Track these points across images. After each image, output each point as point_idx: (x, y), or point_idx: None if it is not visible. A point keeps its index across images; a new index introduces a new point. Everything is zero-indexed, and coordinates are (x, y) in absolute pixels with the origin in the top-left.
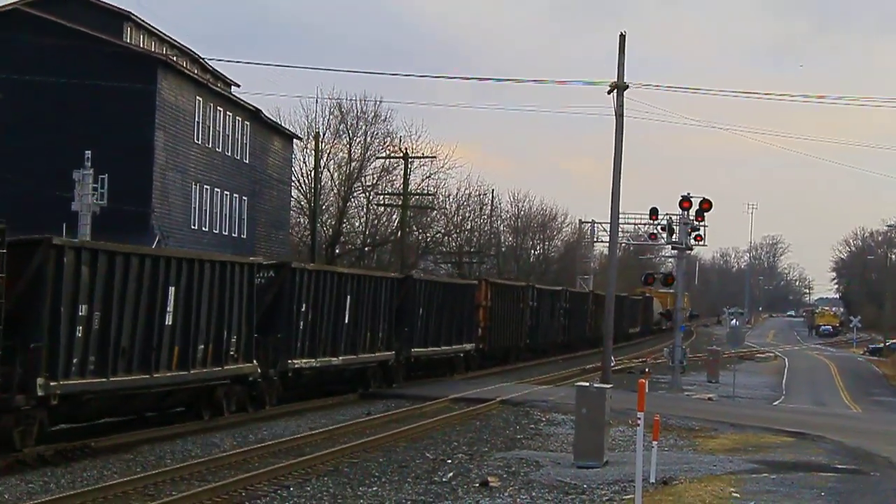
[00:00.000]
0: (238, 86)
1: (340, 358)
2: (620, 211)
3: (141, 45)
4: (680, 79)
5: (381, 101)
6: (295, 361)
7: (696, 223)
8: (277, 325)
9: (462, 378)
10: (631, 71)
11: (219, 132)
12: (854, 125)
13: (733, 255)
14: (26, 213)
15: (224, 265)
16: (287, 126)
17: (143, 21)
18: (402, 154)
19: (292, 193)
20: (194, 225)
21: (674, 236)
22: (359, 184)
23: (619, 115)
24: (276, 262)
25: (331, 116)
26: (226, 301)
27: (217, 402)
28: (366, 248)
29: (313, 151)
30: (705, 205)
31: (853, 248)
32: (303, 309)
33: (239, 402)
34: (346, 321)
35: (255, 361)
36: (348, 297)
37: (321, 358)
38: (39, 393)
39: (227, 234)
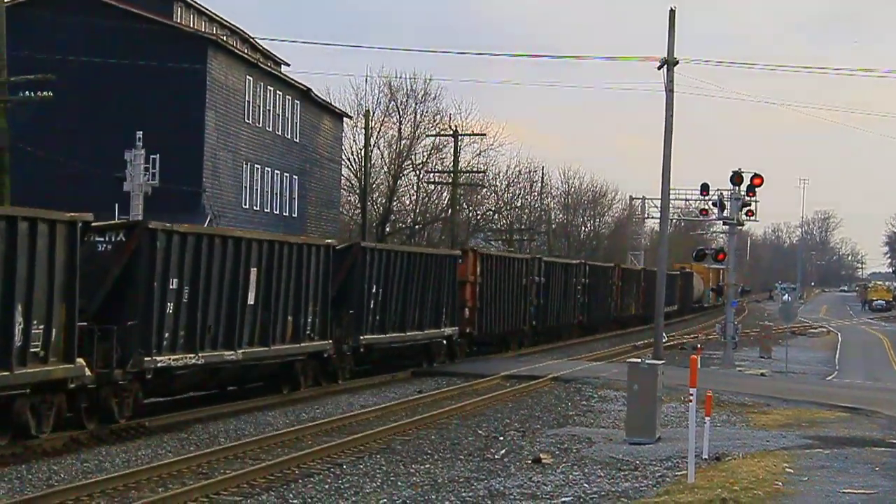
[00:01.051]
0: (288, 65)
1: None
2: (671, 187)
3: (191, 25)
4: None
5: (430, 79)
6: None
7: (747, 198)
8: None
9: (514, 356)
10: (681, 46)
11: (269, 111)
12: None
13: (785, 230)
14: (79, 194)
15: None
16: (337, 105)
17: (192, 1)
18: (451, 132)
19: (342, 172)
20: (245, 204)
21: (725, 212)
22: (409, 162)
23: (669, 91)
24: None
25: (380, 95)
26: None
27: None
28: (416, 227)
29: (363, 130)
30: (756, 180)
31: None
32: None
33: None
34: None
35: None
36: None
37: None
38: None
39: (277, 213)
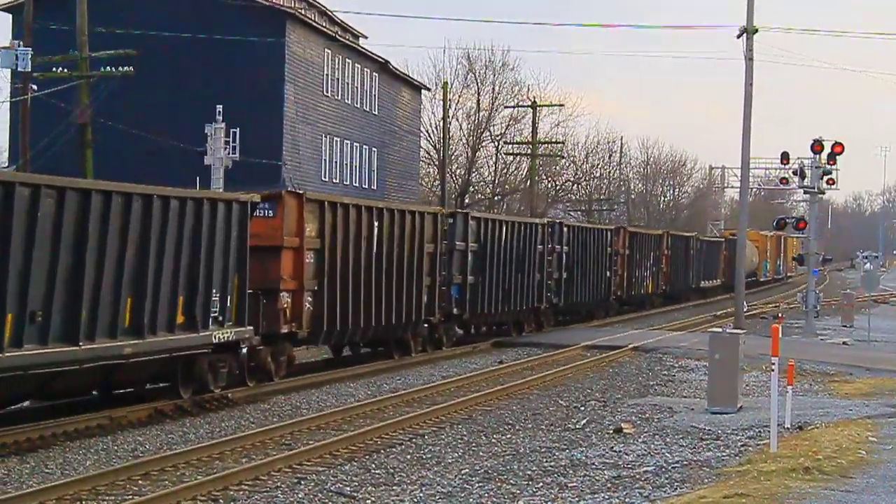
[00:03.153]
0: (366, 37)
1: (708, 282)
2: (751, 156)
3: (270, 0)
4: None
5: (508, 50)
6: (702, 282)
7: (828, 166)
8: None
9: (595, 326)
10: (761, 14)
11: (347, 84)
12: None
13: (866, 199)
14: (160, 168)
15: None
16: (415, 77)
17: None
18: (530, 103)
19: (421, 144)
20: (325, 177)
21: (805, 180)
22: (487, 133)
23: (749, 60)
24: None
25: (458, 66)
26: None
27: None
28: (495, 198)
29: (441, 102)
30: (837, 148)
31: None
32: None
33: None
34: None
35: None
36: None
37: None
38: None
39: (357, 185)
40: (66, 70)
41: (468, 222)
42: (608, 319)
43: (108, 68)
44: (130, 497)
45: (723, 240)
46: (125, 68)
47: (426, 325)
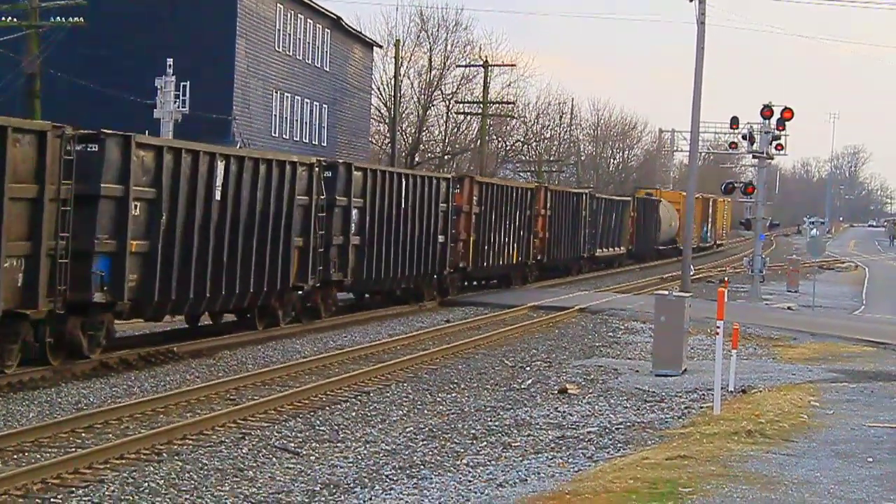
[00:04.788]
0: None
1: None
2: (701, 120)
3: None
4: None
5: (462, 9)
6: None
7: (777, 132)
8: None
9: (537, 287)
10: None
11: (299, 40)
12: None
13: (814, 165)
14: (109, 120)
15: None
16: (367, 34)
17: None
18: (482, 62)
19: (372, 102)
20: (275, 133)
21: (754, 145)
22: (438, 92)
23: (701, 24)
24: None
25: (411, 24)
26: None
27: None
28: (445, 157)
29: (393, 59)
30: (787, 113)
31: None
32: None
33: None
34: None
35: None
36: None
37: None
38: None
39: (307, 141)
40: (15, 19)
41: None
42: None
43: (58, 18)
44: (74, 450)
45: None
46: (75, 19)
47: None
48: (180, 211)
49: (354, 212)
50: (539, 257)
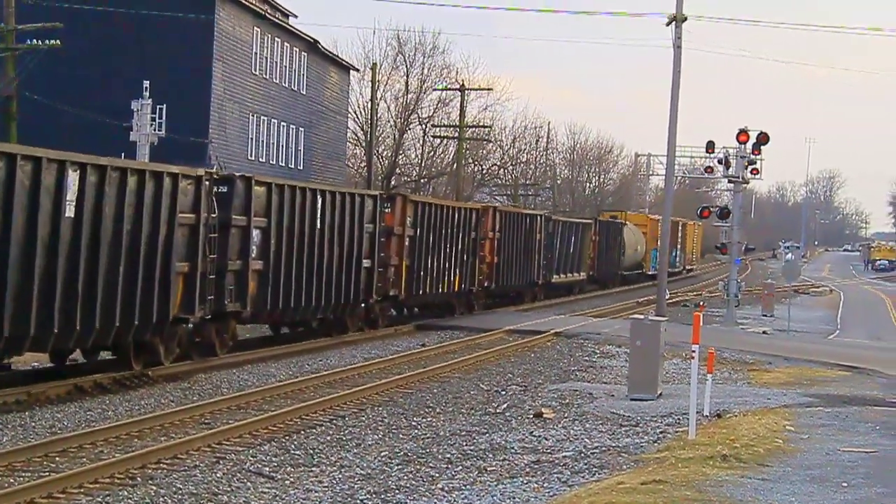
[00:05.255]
0: (296, 16)
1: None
2: (677, 144)
3: None
4: (745, 12)
5: (439, 33)
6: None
7: (752, 156)
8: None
9: (519, 310)
10: (690, 3)
11: (276, 63)
12: None
13: (790, 189)
14: (85, 143)
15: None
16: (344, 57)
17: None
18: (458, 86)
19: (349, 125)
20: (251, 156)
21: (730, 169)
22: (415, 116)
23: (678, 48)
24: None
25: (388, 48)
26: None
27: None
28: (421, 180)
29: (370, 83)
30: (762, 138)
31: None
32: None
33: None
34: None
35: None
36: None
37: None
38: None
39: (283, 164)
40: None
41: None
42: (533, 304)
43: (35, 41)
44: (47, 474)
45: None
46: (52, 41)
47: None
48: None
49: (255, 233)
50: (487, 284)
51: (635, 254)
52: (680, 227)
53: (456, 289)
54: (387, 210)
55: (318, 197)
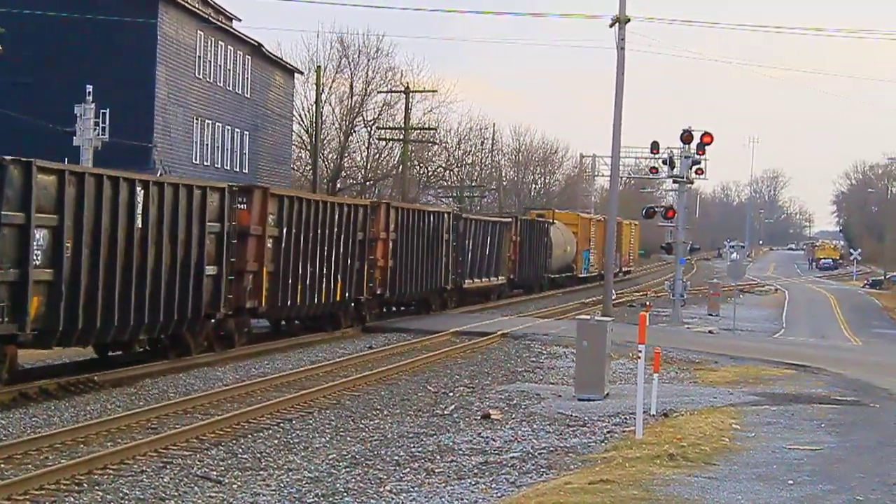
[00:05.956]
0: (240, 20)
1: (483, 280)
2: (622, 145)
3: None
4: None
5: (383, 36)
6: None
7: (697, 157)
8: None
9: (460, 312)
10: (633, 4)
11: (220, 67)
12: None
13: (734, 189)
14: (29, 147)
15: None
16: (288, 61)
17: None
18: (403, 88)
19: (294, 128)
20: (196, 159)
21: (675, 170)
22: (360, 118)
23: (621, 49)
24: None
25: (332, 51)
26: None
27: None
28: (367, 183)
29: (314, 86)
30: (706, 138)
31: (854, 182)
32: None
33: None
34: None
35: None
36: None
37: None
38: None
39: (228, 168)
40: None
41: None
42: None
43: None
44: None
45: (510, 221)
46: None
47: None
48: None
49: (41, 234)
50: (380, 292)
51: (565, 255)
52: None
53: (338, 298)
54: (241, 206)
55: (139, 189)
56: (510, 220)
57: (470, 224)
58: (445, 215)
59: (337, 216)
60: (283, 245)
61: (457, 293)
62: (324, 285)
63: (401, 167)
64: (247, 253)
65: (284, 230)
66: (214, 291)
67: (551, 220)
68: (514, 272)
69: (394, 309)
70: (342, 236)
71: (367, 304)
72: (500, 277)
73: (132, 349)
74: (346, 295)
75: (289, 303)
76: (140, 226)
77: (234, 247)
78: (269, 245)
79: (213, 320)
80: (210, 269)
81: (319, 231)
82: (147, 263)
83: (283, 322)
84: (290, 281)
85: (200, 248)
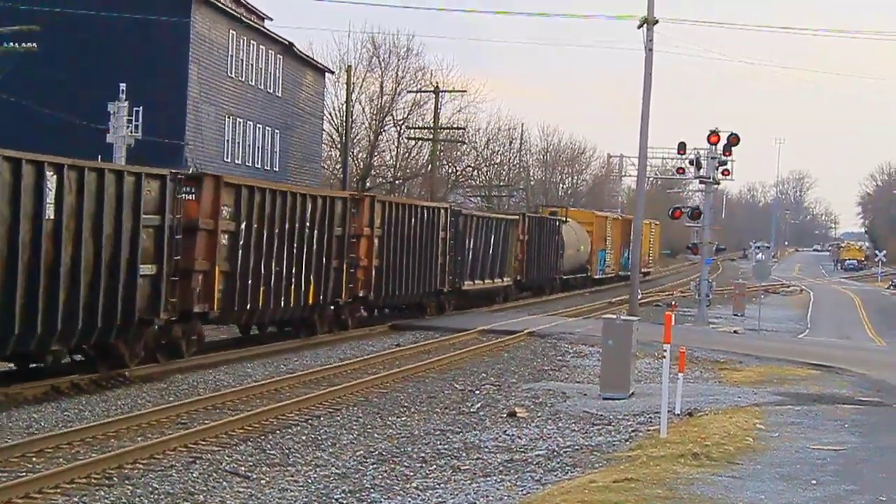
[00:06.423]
0: (271, 19)
1: (486, 281)
2: (649, 145)
3: None
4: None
5: (413, 36)
6: (466, 282)
7: (723, 157)
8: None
9: (493, 310)
10: (663, 6)
11: (252, 66)
12: (885, 60)
13: (760, 190)
14: (62, 145)
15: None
16: (319, 60)
17: None
18: (433, 88)
19: (324, 127)
20: (227, 158)
21: (701, 170)
22: (390, 118)
23: (649, 50)
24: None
25: (363, 50)
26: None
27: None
28: (396, 182)
29: (345, 85)
30: (733, 139)
31: (879, 183)
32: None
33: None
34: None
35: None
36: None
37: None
38: None
39: (259, 167)
40: None
41: None
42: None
43: (12, 44)
44: (24, 474)
45: (516, 218)
46: (28, 44)
47: None
48: None
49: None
50: (364, 294)
51: (577, 255)
52: (632, 226)
53: (311, 301)
54: (188, 196)
55: (49, 174)
56: (517, 217)
57: (471, 221)
58: (441, 211)
59: (309, 210)
60: (242, 241)
61: (455, 295)
62: (292, 287)
63: (430, 166)
64: (195, 250)
65: (243, 224)
66: (152, 294)
67: (564, 219)
68: (521, 273)
69: (386, 312)
70: (316, 232)
71: (351, 307)
72: (505, 279)
73: (53, 360)
74: (322, 298)
75: (248, 307)
76: (51, 217)
77: (179, 243)
78: (223, 241)
79: (152, 327)
80: (146, 269)
81: (288, 226)
82: (61, 261)
83: (254, 328)
84: (251, 282)
85: (133, 244)
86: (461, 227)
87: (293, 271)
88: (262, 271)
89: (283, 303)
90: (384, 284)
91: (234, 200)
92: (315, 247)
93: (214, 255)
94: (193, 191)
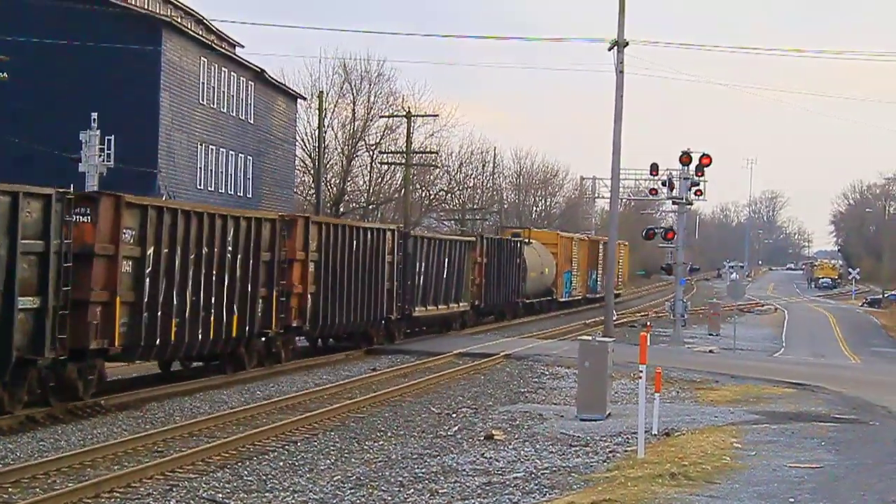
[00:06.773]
0: (242, 46)
1: (440, 307)
2: (621, 167)
3: (146, 7)
4: (683, 37)
5: (384, 61)
6: (418, 308)
7: (696, 178)
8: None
9: (467, 334)
10: (633, 29)
11: (223, 93)
12: (853, 79)
13: (733, 210)
14: (33, 174)
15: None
16: (291, 86)
17: None
18: (405, 113)
19: (297, 153)
20: (200, 185)
21: (674, 191)
22: (362, 143)
23: (620, 73)
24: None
25: (335, 76)
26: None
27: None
28: (369, 206)
29: (317, 111)
30: (705, 160)
31: (851, 202)
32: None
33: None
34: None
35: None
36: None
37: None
38: None
39: (232, 193)
40: None
41: None
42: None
43: None
44: None
45: (472, 240)
46: None
47: None
48: None
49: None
50: (298, 324)
51: (542, 277)
52: (601, 247)
53: (234, 334)
54: (81, 218)
55: None
56: (473, 239)
57: (421, 243)
58: (388, 232)
59: (231, 233)
60: (150, 269)
61: (405, 322)
62: (212, 318)
63: (403, 191)
64: (91, 279)
65: (150, 250)
66: (35, 330)
67: (526, 240)
68: (479, 298)
69: (330, 342)
70: (240, 257)
71: (281, 338)
72: (462, 304)
73: None
74: (248, 329)
75: (158, 341)
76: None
77: (70, 272)
78: (126, 268)
79: (36, 368)
80: (26, 301)
81: (206, 251)
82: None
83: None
84: (161, 314)
85: (9, 273)
86: (411, 249)
87: (213, 301)
88: (175, 301)
89: (200, 336)
90: (322, 313)
91: (139, 223)
92: (239, 273)
93: (115, 285)
94: (89, 212)
